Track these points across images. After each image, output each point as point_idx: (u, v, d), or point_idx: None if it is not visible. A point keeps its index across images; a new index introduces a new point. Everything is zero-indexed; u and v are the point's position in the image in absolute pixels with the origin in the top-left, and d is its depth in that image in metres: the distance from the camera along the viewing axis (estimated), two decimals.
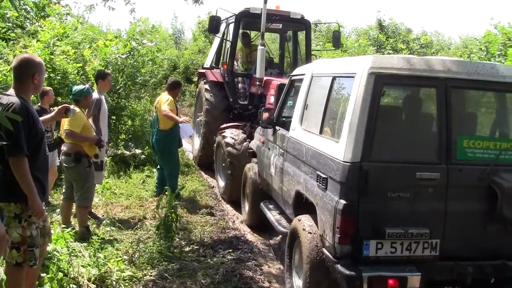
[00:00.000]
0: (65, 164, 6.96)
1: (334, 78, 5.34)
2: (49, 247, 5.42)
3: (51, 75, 10.68)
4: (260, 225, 8.17)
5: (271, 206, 7.38)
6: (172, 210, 7.13)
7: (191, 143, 13.85)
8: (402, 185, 4.49)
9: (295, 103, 6.54)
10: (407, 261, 4.50)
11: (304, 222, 5.28)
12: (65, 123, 6.81)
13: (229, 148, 9.43)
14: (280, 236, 7.46)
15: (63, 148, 7.02)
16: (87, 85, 7.58)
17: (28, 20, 14.88)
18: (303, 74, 6.42)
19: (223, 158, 9.95)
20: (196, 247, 7.01)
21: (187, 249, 6.92)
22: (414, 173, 4.48)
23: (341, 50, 13.31)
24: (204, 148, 11.65)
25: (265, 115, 7.02)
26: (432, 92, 4.74)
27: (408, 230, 4.38)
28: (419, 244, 4.48)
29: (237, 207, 9.29)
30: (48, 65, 10.66)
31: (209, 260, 6.59)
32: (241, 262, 6.62)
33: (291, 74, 7.33)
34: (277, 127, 6.99)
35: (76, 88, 7.13)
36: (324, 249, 4.85)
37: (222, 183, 10.24)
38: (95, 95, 7.84)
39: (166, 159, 9.35)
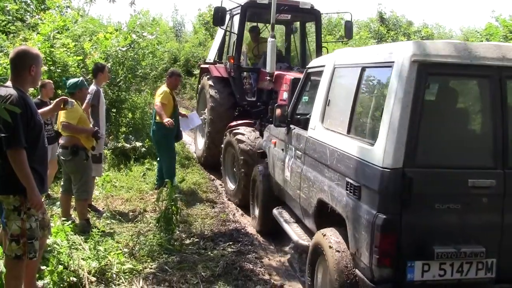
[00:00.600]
0: (62, 157, 6.76)
1: (363, 69, 4.48)
2: (49, 240, 5.27)
3: (51, 68, 10.35)
4: (271, 232, 7.38)
5: (285, 214, 6.50)
6: (172, 203, 6.90)
7: (194, 142, 12.93)
8: (452, 194, 3.73)
9: (312, 99, 5.78)
10: (457, 285, 3.81)
11: (330, 237, 4.44)
12: (61, 116, 6.64)
13: (243, 147, 8.55)
14: (292, 245, 6.74)
15: (61, 141, 6.83)
16: (81, 78, 7.49)
17: (28, 13, 14.57)
18: (323, 66, 5.54)
19: (233, 158, 9.10)
20: (197, 239, 6.83)
21: (187, 241, 6.73)
22: (465, 180, 3.71)
23: (342, 42, 13.05)
24: (209, 148, 10.74)
25: (278, 112, 6.18)
26: (485, 84, 3.93)
27: (460, 249, 3.63)
28: (472, 265, 3.75)
29: (244, 208, 8.69)
30: (48, 58, 10.37)
31: (209, 252, 6.41)
32: (242, 255, 6.43)
33: (307, 66, 6.38)
34: (291, 126, 6.18)
35: (70, 81, 6.95)
36: (357, 271, 4.07)
37: (231, 186, 9.31)
38: (93, 86, 7.70)
39: (162, 151, 9.07)
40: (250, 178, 8.07)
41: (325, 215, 4.84)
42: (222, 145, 9.64)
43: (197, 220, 7.80)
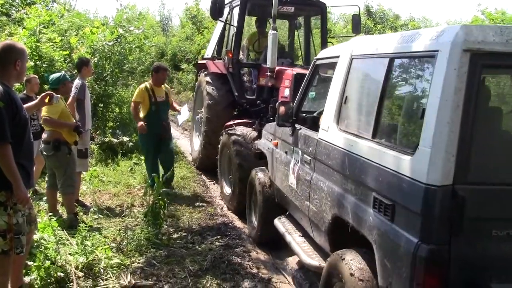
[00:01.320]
0: (45, 153, 6.71)
1: (392, 60, 3.66)
2: (36, 236, 5.22)
3: (37, 62, 10.31)
4: (271, 242, 6.70)
5: (289, 226, 5.71)
6: (159, 197, 6.85)
7: (189, 143, 12.20)
8: None
9: (320, 94, 5.27)
10: None
11: (351, 262, 3.64)
12: (42, 110, 6.54)
13: (239, 149, 7.91)
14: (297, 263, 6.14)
15: (43, 136, 6.78)
16: (63, 72, 7.41)
17: (14, 8, 14.47)
18: (336, 57, 4.69)
19: (229, 160, 8.41)
20: (184, 234, 6.80)
21: (175, 236, 6.71)
22: None
23: (329, 36, 12.75)
24: (206, 149, 9.97)
25: (282, 109, 5.39)
26: None
27: None
28: None
29: (241, 215, 7.94)
30: (34, 53, 10.31)
31: (197, 246, 6.38)
32: (229, 249, 6.42)
33: (315, 58, 5.54)
34: (297, 125, 5.41)
35: (52, 76, 6.91)
36: None
37: (228, 190, 8.61)
38: (78, 81, 7.58)
39: (141, 146, 9.04)
40: (245, 184, 7.32)
41: (342, 234, 4.06)
42: (219, 146, 8.97)
43: (185, 214, 7.77)
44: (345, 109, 4.33)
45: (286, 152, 5.73)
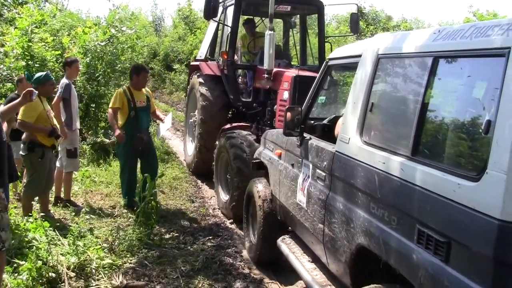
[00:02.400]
0: (21, 152, 6.68)
1: (436, 60, 2.96)
2: (28, 236, 5.35)
3: (29, 62, 10.25)
4: (271, 262, 6.15)
5: (296, 249, 5.03)
6: (151, 198, 6.88)
7: (183, 147, 11.73)
8: None
9: (331, 99, 4.93)
10: None
11: None
12: (18, 113, 6.42)
13: (238, 154, 7.49)
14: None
15: (23, 136, 6.71)
16: (46, 72, 7.38)
17: (5, 7, 14.45)
18: (357, 56, 3.98)
19: (227, 165, 7.99)
20: (176, 234, 6.84)
21: (167, 236, 6.74)
22: None
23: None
24: (201, 152, 9.53)
25: (289, 116, 4.69)
26: None
27: None
28: None
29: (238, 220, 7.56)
30: (26, 53, 10.27)
31: (189, 247, 6.41)
32: (221, 249, 6.44)
33: (328, 57, 4.79)
34: (305, 134, 4.73)
35: (37, 75, 6.83)
36: None
37: (224, 197, 8.16)
38: (64, 80, 7.59)
39: (118, 157, 8.35)
40: (245, 191, 6.60)
41: (367, 266, 3.48)
42: (215, 150, 8.53)
43: (177, 214, 7.79)
44: (371, 118, 3.64)
45: (292, 165, 5.03)
